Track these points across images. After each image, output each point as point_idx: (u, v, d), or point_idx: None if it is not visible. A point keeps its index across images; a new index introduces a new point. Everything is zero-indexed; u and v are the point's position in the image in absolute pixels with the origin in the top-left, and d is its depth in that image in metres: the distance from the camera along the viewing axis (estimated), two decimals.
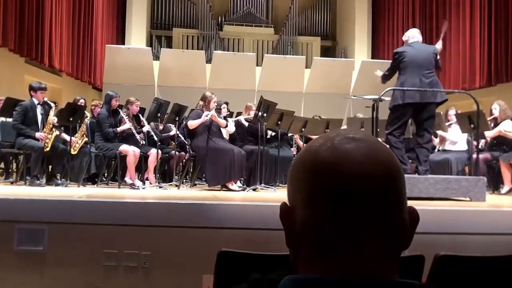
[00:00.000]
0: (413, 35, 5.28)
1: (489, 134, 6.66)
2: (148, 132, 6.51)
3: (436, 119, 6.77)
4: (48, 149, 5.79)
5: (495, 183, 6.58)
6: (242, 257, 2.05)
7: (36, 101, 5.97)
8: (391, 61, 5.35)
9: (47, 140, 5.84)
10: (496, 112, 6.69)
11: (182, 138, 6.92)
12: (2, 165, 6.86)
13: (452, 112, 7.07)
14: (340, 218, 0.64)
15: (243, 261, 2.03)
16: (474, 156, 5.65)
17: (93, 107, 7.46)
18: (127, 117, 6.31)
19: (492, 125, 6.68)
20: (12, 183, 6.26)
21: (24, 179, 5.92)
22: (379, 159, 0.66)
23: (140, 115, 6.60)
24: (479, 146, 6.48)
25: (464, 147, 6.95)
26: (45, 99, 6.10)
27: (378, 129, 5.09)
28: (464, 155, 6.80)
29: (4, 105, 6.51)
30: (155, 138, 6.31)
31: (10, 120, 6.34)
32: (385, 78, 5.35)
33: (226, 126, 6.32)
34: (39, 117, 5.98)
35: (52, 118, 6.04)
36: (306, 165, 0.68)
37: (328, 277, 0.63)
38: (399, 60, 5.08)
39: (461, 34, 10.60)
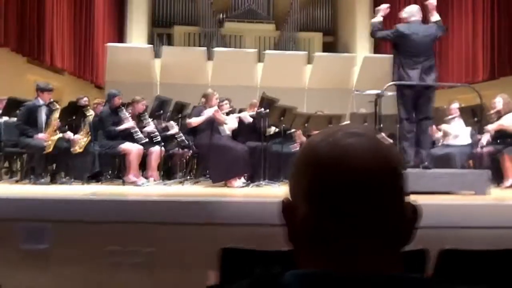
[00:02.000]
0: (413, 13, 5.12)
1: (491, 127, 6.64)
2: (151, 132, 6.53)
3: (439, 113, 6.76)
4: (50, 150, 5.79)
5: (499, 177, 6.55)
6: (245, 254, 2.06)
7: (41, 102, 5.99)
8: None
9: (49, 142, 5.84)
10: (499, 105, 6.66)
11: (183, 137, 6.90)
12: (7, 164, 6.88)
13: (455, 105, 7.05)
14: (340, 213, 0.64)
15: (246, 257, 2.04)
16: (478, 149, 5.63)
17: (95, 106, 7.46)
18: (129, 115, 6.30)
19: (496, 118, 6.65)
20: (16, 182, 6.28)
21: (28, 178, 5.94)
22: (379, 154, 0.66)
23: (145, 114, 6.59)
24: (483, 140, 6.46)
25: (468, 140, 6.93)
26: (51, 99, 6.12)
27: (382, 125, 5.07)
28: (467, 149, 6.78)
29: (7, 105, 6.53)
30: (158, 139, 6.32)
31: (12, 119, 6.35)
32: (376, 34, 5.22)
33: (225, 123, 6.29)
34: (43, 118, 5.99)
35: (57, 120, 6.04)
36: (307, 160, 0.68)
37: (329, 271, 0.63)
38: (399, 39, 5.00)
39: (464, 28, 10.56)
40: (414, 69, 4.94)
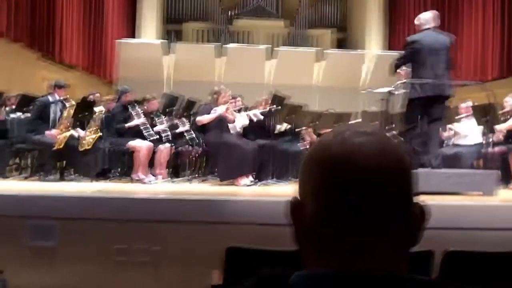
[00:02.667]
0: (427, 20, 4.99)
1: (501, 127, 6.56)
2: (162, 130, 6.55)
3: (448, 113, 6.71)
4: (61, 146, 5.83)
5: (508, 177, 6.48)
6: (250, 253, 2.06)
7: (56, 97, 6.05)
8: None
9: (59, 137, 5.88)
10: (509, 105, 6.59)
11: (193, 135, 6.92)
12: (16, 161, 6.94)
13: (464, 105, 6.99)
14: (349, 212, 0.65)
15: (251, 256, 2.05)
16: (488, 149, 5.58)
17: (106, 102, 7.49)
18: (141, 111, 6.32)
19: (506, 118, 6.57)
20: (25, 178, 6.33)
21: (37, 174, 5.99)
22: (389, 153, 0.67)
23: (157, 113, 6.61)
24: (495, 139, 6.39)
25: (477, 140, 6.87)
26: (63, 97, 6.18)
27: (393, 123, 5.04)
28: (477, 148, 6.72)
29: (18, 101, 6.58)
30: (168, 137, 6.35)
31: (24, 116, 6.40)
32: (396, 67, 5.14)
33: (233, 121, 6.29)
34: (54, 114, 6.04)
35: (70, 117, 6.08)
36: (316, 159, 0.69)
37: (337, 272, 0.64)
38: (414, 51, 4.87)
39: (474, 26, 10.46)
40: (427, 77, 4.81)
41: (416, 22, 5.12)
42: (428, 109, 5.00)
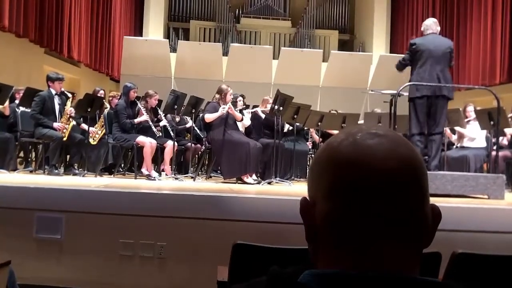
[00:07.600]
0: (429, 26, 5.33)
1: (510, 131, 6.54)
2: (164, 126, 6.56)
3: (454, 115, 6.70)
4: (65, 138, 5.87)
5: None
6: (256, 250, 2.06)
7: (53, 91, 6.05)
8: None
9: (64, 130, 5.91)
10: None
11: (198, 131, 6.94)
12: (22, 154, 6.96)
13: (470, 108, 6.97)
14: (361, 214, 0.64)
15: (257, 253, 2.04)
16: (494, 153, 5.57)
17: (111, 98, 7.51)
18: (144, 109, 6.34)
19: None
20: (31, 172, 6.35)
21: (42, 168, 6.01)
22: (401, 154, 0.66)
23: (158, 108, 6.62)
24: (499, 143, 6.38)
25: (483, 144, 6.85)
26: (62, 89, 6.18)
27: (396, 126, 5.07)
28: (482, 152, 6.70)
29: (24, 95, 6.59)
30: (171, 134, 6.36)
31: (29, 110, 6.42)
32: (400, 67, 5.44)
33: (242, 120, 6.32)
34: (57, 107, 6.06)
35: (69, 109, 6.10)
36: (327, 160, 0.68)
37: (347, 271, 0.63)
38: (415, 52, 5.17)
39: (482, 29, 10.42)
40: (428, 79, 5.07)
41: (422, 28, 5.47)
42: (429, 111, 5.19)
